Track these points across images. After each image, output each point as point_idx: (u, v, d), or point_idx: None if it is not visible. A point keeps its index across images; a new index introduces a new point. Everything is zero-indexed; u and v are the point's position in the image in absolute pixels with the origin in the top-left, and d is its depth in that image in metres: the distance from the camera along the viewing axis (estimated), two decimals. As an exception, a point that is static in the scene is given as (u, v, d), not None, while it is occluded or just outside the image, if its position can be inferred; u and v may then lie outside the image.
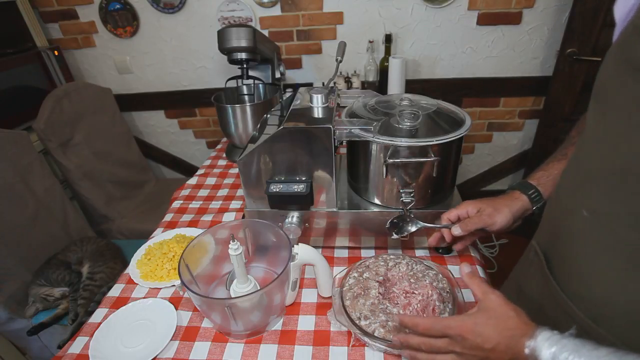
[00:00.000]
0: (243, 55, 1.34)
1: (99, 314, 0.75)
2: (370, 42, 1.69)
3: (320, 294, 0.73)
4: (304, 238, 0.83)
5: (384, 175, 0.74)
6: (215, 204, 1.12)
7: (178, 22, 1.75)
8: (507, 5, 1.60)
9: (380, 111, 0.78)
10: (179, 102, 1.98)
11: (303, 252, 0.65)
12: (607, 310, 0.46)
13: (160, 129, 2.10)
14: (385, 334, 0.59)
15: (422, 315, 0.60)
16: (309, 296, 0.74)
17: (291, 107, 0.81)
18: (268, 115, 0.88)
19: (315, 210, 0.79)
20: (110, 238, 1.65)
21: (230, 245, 0.61)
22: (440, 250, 0.82)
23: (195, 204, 1.13)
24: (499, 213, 0.66)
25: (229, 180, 1.25)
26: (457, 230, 0.69)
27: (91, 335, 0.69)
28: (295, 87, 1.82)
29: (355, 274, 0.70)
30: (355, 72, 1.76)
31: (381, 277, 0.68)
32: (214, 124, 2.05)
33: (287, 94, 1.52)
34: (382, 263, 0.71)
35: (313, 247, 0.67)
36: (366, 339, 0.60)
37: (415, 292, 0.64)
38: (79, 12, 1.76)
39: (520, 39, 1.69)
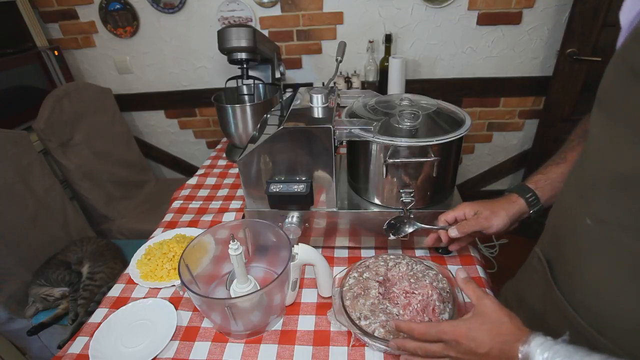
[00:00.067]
0: (243, 55, 1.34)
1: (99, 314, 0.75)
2: (370, 42, 1.69)
3: (320, 294, 0.73)
4: (304, 238, 0.83)
5: (384, 175, 0.74)
6: (215, 204, 1.12)
7: (178, 22, 1.75)
8: (507, 5, 1.60)
9: (380, 111, 0.78)
10: (179, 102, 1.98)
11: (303, 252, 0.65)
12: (611, 320, 0.46)
13: (160, 129, 2.10)
14: (385, 334, 0.59)
15: (421, 316, 0.60)
16: (309, 296, 0.74)
17: (291, 107, 0.81)
18: (268, 115, 0.88)
19: (315, 210, 0.79)
20: (110, 238, 1.66)
21: (230, 245, 0.61)
22: (440, 250, 0.82)
23: (195, 204, 1.13)
24: (496, 216, 0.66)
25: (229, 180, 1.25)
26: (453, 232, 0.69)
27: (91, 335, 0.69)
28: (295, 87, 1.82)
29: (355, 274, 0.70)
30: (355, 72, 1.76)
31: (381, 277, 0.68)
32: (214, 124, 2.05)
33: (287, 94, 1.52)
34: (382, 263, 0.71)
35: (313, 247, 0.67)
36: (366, 339, 0.60)
37: (415, 292, 0.64)
38: (79, 12, 1.76)
39: (520, 39, 1.69)
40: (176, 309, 0.73)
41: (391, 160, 0.70)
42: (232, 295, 0.68)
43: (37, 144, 1.45)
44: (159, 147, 2.17)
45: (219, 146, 1.57)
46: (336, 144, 0.73)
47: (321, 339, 0.65)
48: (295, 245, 0.66)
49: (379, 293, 0.65)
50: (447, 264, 0.79)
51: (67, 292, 1.18)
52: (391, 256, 0.73)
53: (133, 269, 0.85)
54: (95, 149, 1.64)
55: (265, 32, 1.74)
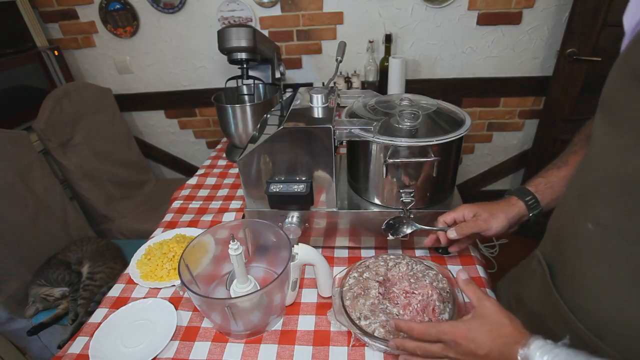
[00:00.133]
0: (243, 55, 1.34)
1: (99, 314, 0.75)
2: (370, 42, 1.69)
3: (320, 294, 0.73)
4: (304, 238, 0.83)
5: (384, 175, 0.74)
6: (215, 204, 1.12)
7: (178, 22, 1.75)
8: (507, 5, 1.60)
9: (380, 111, 0.78)
10: (179, 102, 1.98)
11: (303, 252, 0.65)
12: (610, 325, 0.46)
13: (160, 129, 2.10)
14: (385, 334, 0.59)
15: (421, 316, 0.60)
16: (309, 296, 0.74)
17: (291, 107, 0.81)
18: (268, 115, 0.88)
19: (315, 210, 0.79)
20: (110, 238, 1.66)
21: (230, 245, 0.61)
22: (440, 250, 0.82)
23: (195, 204, 1.13)
24: (495, 218, 0.66)
25: (229, 180, 1.25)
26: (452, 234, 0.69)
27: (91, 335, 0.69)
28: (295, 87, 1.82)
29: (355, 274, 0.70)
30: (355, 72, 1.76)
31: (381, 277, 0.68)
32: (214, 124, 2.05)
33: (287, 94, 1.52)
34: (382, 263, 0.71)
35: (313, 247, 0.67)
36: (366, 339, 0.60)
37: (415, 292, 0.64)
38: (79, 12, 1.76)
39: (520, 39, 1.69)
40: (176, 309, 0.73)
41: (391, 160, 0.70)
42: (232, 295, 0.68)
43: (37, 144, 1.45)
44: (159, 147, 2.17)
45: (219, 146, 1.57)
46: (336, 144, 0.73)
47: (321, 339, 0.65)
48: (295, 245, 0.66)
49: (379, 293, 0.65)
50: (447, 264, 0.79)
51: (67, 292, 1.18)
52: (391, 256, 0.73)
53: (133, 269, 0.85)
54: (95, 149, 1.64)
55: (265, 32, 1.74)
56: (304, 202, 0.76)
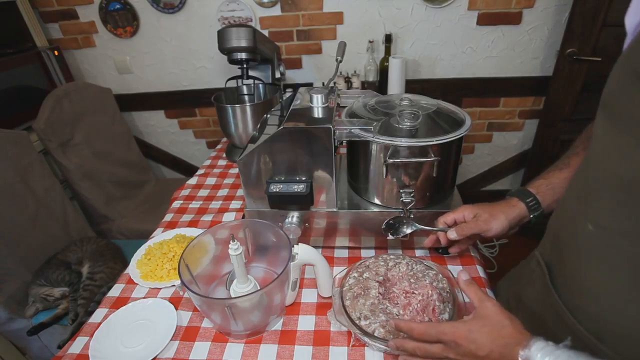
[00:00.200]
0: (243, 55, 1.34)
1: (99, 314, 0.75)
2: (370, 42, 1.69)
3: (320, 294, 0.73)
4: (304, 238, 0.83)
5: (384, 175, 0.74)
6: (215, 204, 1.12)
7: (178, 22, 1.75)
8: (507, 5, 1.60)
9: (380, 111, 0.78)
10: (179, 102, 1.99)
11: (303, 252, 0.65)
12: (609, 327, 0.45)
13: (160, 129, 2.10)
14: (385, 334, 0.59)
15: (421, 316, 0.60)
16: (309, 296, 0.74)
17: (291, 107, 0.81)
18: (268, 115, 0.88)
19: (315, 210, 0.79)
20: (110, 238, 1.66)
21: (230, 245, 0.61)
22: (440, 250, 0.82)
23: (195, 204, 1.13)
24: (495, 219, 0.66)
25: (229, 180, 1.25)
26: (452, 234, 0.69)
27: (91, 335, 0.69)
28: (295, 87, 1.82)
29: (355, 274, 0.70)
30: (355, 72, 1.76)
31: (381, 277, 0.68)
32: (214, 124, 2.05)
33: (287, 94, 1.52)
34: (382, 263, 0.71)
35: (313, 247, 0.67)
36: (366, 339, 0.60)
37: (415, 292, 0.64)
38: (79, 12, 1.76)
39: (520, 39, 1.69)
40: (176, 309, 0.73)
41: (391, 160, 0.70)
42: (232, 295, 0.68)
43: (37, 144, 1.45)
44: (159, 147, 2.17)
45: (219, 146, 1.57)
46: (336, 144, 0.73)
47: (321, 339, 0.65)
48: (295, 245, 0.66)
49: (379, 293, 0.65)
50: (447, 264, 0.79)
51: (67, 292, 1.18)
52: (391, 256, 0.73)
53: (133, 269, 0.85)
54: (95, 149, 1.64)
55: (265, 32, 1.74)
56: (304, 202, 0.76)
